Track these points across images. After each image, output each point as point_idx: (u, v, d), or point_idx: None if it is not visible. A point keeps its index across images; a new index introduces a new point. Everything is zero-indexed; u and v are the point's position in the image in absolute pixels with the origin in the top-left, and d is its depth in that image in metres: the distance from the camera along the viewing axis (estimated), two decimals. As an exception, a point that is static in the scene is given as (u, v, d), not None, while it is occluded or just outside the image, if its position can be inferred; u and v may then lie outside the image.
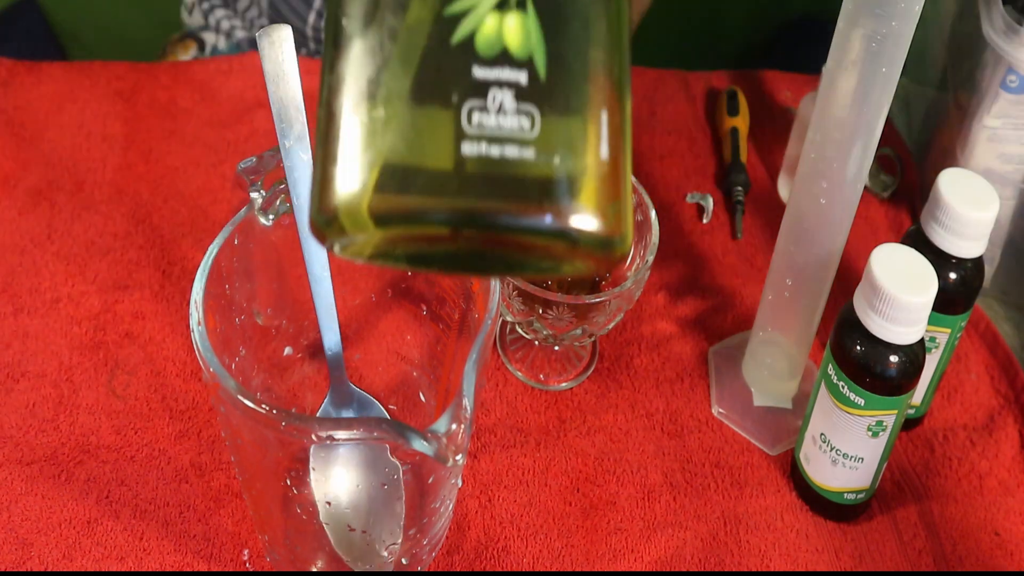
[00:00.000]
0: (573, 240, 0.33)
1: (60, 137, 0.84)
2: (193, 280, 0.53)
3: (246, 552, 0.63)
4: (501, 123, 0.32)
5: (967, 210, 0.61)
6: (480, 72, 0.32)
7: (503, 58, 0.32)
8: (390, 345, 0.67)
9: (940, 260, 0.63)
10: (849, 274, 0.80)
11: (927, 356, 0.62)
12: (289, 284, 0.61)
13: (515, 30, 0.32)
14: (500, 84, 0.32)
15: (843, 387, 0.61)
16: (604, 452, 0.69)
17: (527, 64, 0.32)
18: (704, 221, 0.83)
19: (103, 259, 0.76)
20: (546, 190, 0.32)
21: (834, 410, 0.62)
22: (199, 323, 0.51)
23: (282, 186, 0.55)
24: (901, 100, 0.94)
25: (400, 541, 0.59)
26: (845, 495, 0.65)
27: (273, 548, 0.62)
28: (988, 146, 0.75)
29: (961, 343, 0.76)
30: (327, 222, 0.32)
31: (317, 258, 0.55)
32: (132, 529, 0.63)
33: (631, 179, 0.35)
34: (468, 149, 0.32)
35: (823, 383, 0.62)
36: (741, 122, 0.89)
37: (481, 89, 0.32)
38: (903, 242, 0.64)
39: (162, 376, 0.70)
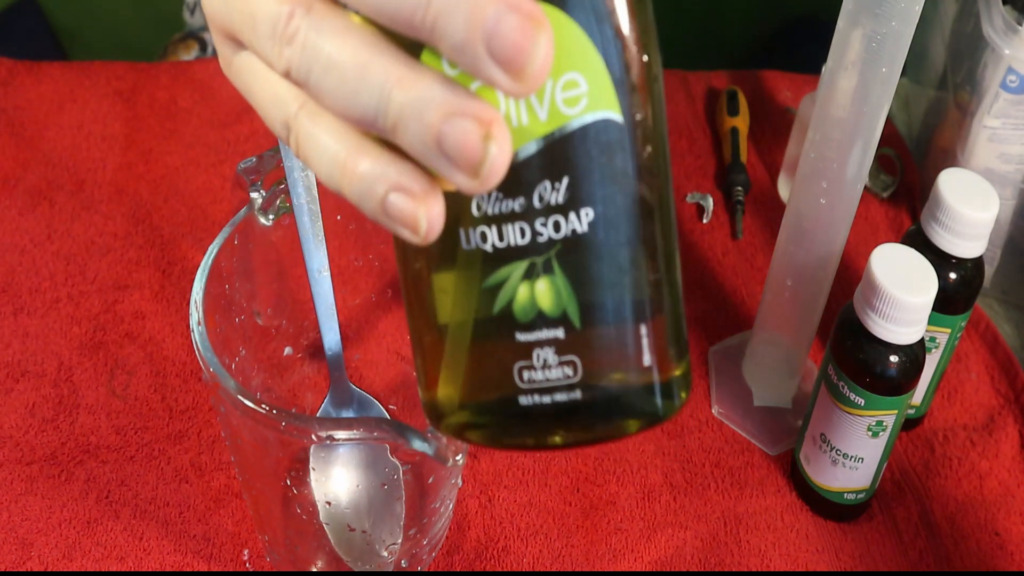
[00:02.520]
0: (633, 430, 0.38)
1: (60, 137, 0.84)
2: (193, 280, 0.53)
3: (246, 552, 0.63)
4: (548, 377, 0.36)
5: (967, 210, 0.61)
6: (522, 337, 0.36)
7: (540, 320, 0.35)
8: (390, 345, 0.67)
9: (940, 260, 0.63)
10: (849, 274, 0.80)
11: (927, 356, 0.62)
12: (289, 284, 0.61)
13: (546, 293, 0.35)
14: (541, 344, 0.36)
15: (843, 387, 0.61)
16: (604, 452, 0.69)
17: (562, 319, 0.35)
18: (704, 221, 0.83)
19: (103, 259, 0.76)
20: (595, 417, 0.37)
21: (834, 410, 0.62)
22: (199, 323, 0.51)
23: (282, 186, 0.55)
24: (901, 100, 0.94)
25: (400, 541, 0.59)
26: (845, 495, 0.65)
27: (273, 548, 0.62)
28: (988, 146, 0.75)
29: (961, 343, 0.76)
30: (433, 421, 0.39)
31: (317, 258, 0.55)
32: (132, 529, 0.63)
33: (687, 347, 0.39)
34: (524, 400, 0.36)
35: (823, 383, 0.62)
36: (741, 122, 0.89)
37: (526, 351, 0.36)
38: (903, 242, 0.64)
39: (162, 376, 0.70)
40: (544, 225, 0.34)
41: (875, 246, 0.59)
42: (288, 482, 0.59)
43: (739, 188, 0.84)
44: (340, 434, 0.48)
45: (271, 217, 0.56)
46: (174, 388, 0.69)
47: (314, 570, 0.61)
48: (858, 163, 0.59)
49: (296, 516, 0.60)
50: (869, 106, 0.57)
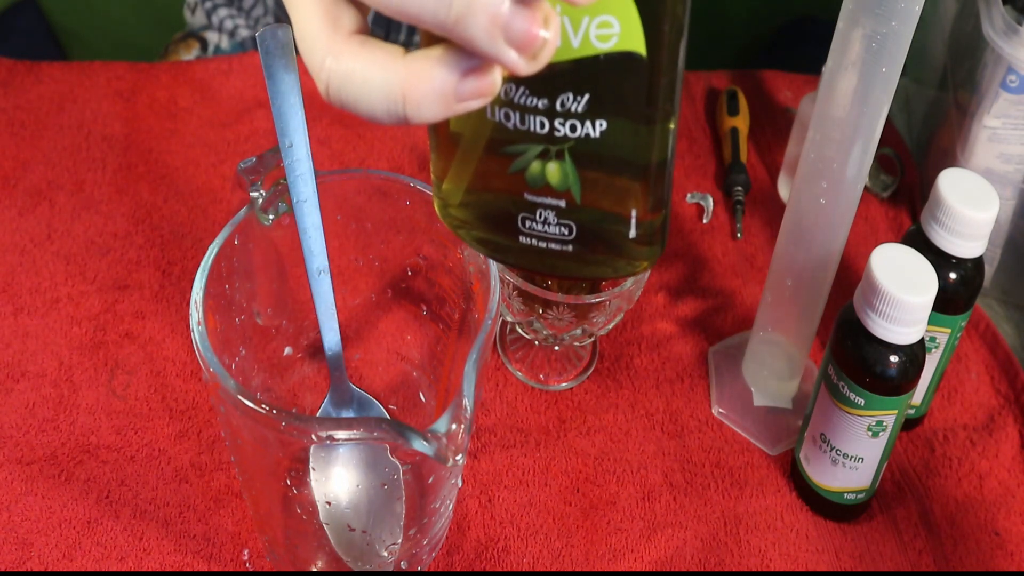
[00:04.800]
0: (608, 277, 0.45)
1: (60, 137, 0.84)
2: (193, 280, 0.53)
3: (246, 552, 0.63)
4: (547, 230, 0.42)
5: (967, 210, 0.61)
6: (529, 196, 0.41)
7: (546, 190, 0.41)
8: (390, 345, 0.67)
9: (940, 260, 0.63)
10: (849, 274, 0.80)
11: (927, 356, 0.62)
12: (289, 284, 0.61)
13: (555, 172, 0.40)
14: (545, 206, 0.41)
15: (843, 387, 0.61)
16: (604, 452, 0.69)
17: (566, 193, 0.41)
18: (704, 221, 0.83)
19: (103, 259, 0.76)
20: (580, 266, 0.43)
21: (834, 410, 0.62)
22: (199, 323, 0.51)
23: (282, 186, 0.55)
24: (901, 100, 0.94)
25: (400, 541, 0.59)
26: (845, 495, 0.65)
27: (273, 548, 0.62)
28: (988, 146, 0.75)
29: (961, 343, 0.76)
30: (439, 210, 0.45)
31: (317, 258, 0.55)
32: (132, 529, 0.63)
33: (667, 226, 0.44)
34: (523, 240, 0.43)
35: (823, 383, 0.62)
36: (741, 122, 0.89)
37: (530, 207, 0.41)
38: (903, 242, 0.64)
39: (162, 376, 0.70)
40: (562, 124, 0.39)
41: (875, 246, 0.59)
42: (288, 482, 0.59)
43: (739, 188, 0.84)
44: (340, 434, 0.48)
45: (271, 217, 0.56)
46: (174, 388, 0.69)
47: (314, 570, 0.61)
48: (858, 163, 0.59)
49: (296, 516, 0.60)
50: (869, 106, 0.57)
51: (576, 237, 0.42)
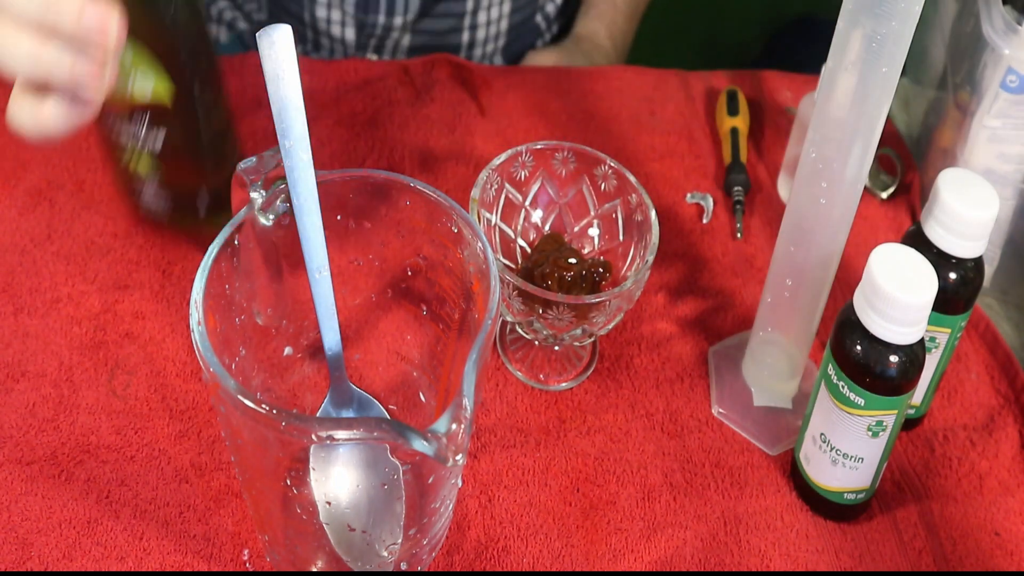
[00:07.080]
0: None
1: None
2: (193, 280, 0.53)
3: (246, 552, 0.63)
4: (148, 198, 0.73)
5: (967, 210, 0.61)
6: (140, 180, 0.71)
7: (148, 174, 0.69)
8: (390, 345, 0.67)
9: (940, 260, 0.63)
10: (849, 274, 0.80)
11: (927, 356, 0.62)
12: (289, 284, 0.61)
13: (146, 163, 0.67)
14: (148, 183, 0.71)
15: (843, 387, 0.61)
16: (604, 452, 0.69)
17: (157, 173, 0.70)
18: (704, 221, 0.83)
19: (103, 259, 0.76)
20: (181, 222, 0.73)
21: (834, 410, 0.62)
22: (199, 323, 0.51)
23: (282, 186, 0.55)
24: (901, 100, 0.94)
25: (400, 541, 0.59)
26: (845, 495, 0.65)
27: (273, 548, 0.62)
28: (988, 146, 0.75)
29: (961, 343, 0.76)
30: None
31: (317, 258, 0.55)
32: (132, 529, 0.63)
33: None
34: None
35: (823, 383, 0.62)
36: (741, 122, 0.89)
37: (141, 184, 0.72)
38: (903, 242, 0.64)
39: (162, 376, 0.70)
40: (138, 136, 0.67)
41: (875, 246, 0.59)
42: (288, 482, 0.59)
43: (739, 188, 0.84)
44: (340, 434, 0.48)
45: (271, 217, 0.56)
46: (174, 388, 0.69)
47: (314, 570, 0.61)
48: (858, 163, 0.59)
49: (296, 516, 0.60)
50: (869, 106, 0.57)
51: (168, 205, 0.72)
